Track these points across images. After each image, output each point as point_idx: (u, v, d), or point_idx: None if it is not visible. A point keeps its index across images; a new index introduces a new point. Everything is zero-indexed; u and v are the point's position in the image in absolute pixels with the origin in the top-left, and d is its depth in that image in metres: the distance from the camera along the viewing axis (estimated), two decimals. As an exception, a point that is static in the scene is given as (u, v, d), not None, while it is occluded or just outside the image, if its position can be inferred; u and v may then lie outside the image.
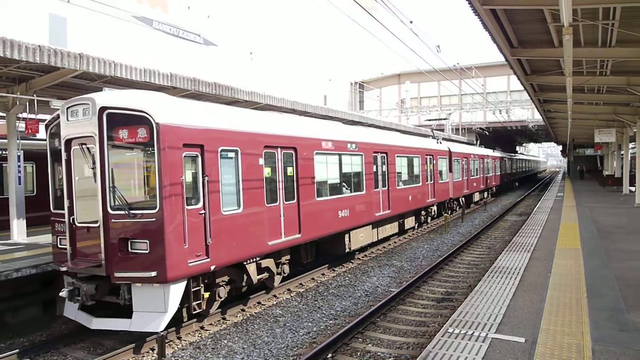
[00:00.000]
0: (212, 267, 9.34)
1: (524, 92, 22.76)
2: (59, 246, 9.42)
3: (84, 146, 8.96)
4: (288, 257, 12.20)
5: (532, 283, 9.36)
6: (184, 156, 8.88)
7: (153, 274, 8.43)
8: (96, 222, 8.75)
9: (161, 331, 8.88)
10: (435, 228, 23.28)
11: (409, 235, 20.87)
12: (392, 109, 47.76)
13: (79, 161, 9.14)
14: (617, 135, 29.80)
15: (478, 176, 32.36)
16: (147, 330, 8.62)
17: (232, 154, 9.98)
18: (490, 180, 37.82)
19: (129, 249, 8.55)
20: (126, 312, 8.96)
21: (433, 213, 23.38)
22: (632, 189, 29.48)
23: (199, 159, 9.16)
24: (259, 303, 11.51)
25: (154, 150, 8.45)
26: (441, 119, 41.25)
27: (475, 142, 48.24)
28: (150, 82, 12.90)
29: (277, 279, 11.85)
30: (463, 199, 29.10)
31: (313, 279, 13.56)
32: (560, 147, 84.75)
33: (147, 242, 8.45)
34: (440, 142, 25.91)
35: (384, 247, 18.31)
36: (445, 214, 22.84)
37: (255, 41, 39.19)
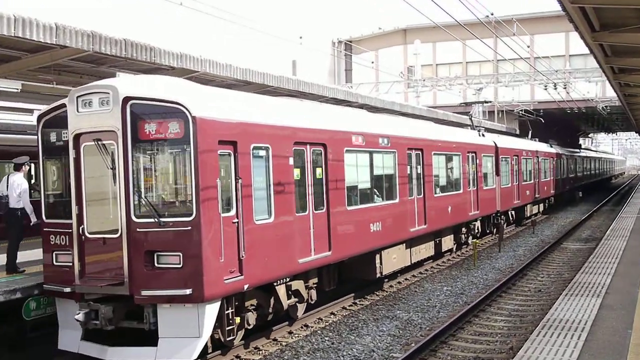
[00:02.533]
0: (246, 287, 11.43)
1: (590, 56, 23.02)
2: (56, 263, 11.41)
3: (99, 142, 10.85)
4: (316, 280, 14.62)
5: (604, 344, 9.42)
6: (219, 155, 10.93)
7: (188, 291, 10.28)
8: (116, 232, 10.68)
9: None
10: (458, 261, 23.46)
11: (420, 273, 21.03)
12: (395, 81, 47.95)
13: (90, 160, 11.06)
14: None
15: (531, 181, 35.36)
16: (179, 359, 10.34)
17: (262, 152, 12.20)
18: (543, 188, 38.34)
19: (158, 263, 10.48)
20: (138, 338, 10.91)
21: (476, 230, 25.96)
22: None
23: (232, 158, 11.29)
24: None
25: (188, 147, 10.44)
26: (483, 102, 41.70)
27: (522, 133, 48.77)
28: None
29: (301, 307, 14.15)
30: (513, 212, 31.86)
31: (275, 339, 13.70)
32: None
33: (180, 254, 10.35)
34: (483, 135, 28.50)
35: (383, 290, 18.34)
36: (474, 240, 23.00)
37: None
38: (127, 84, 10.91)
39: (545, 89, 45.01)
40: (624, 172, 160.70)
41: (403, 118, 22.01)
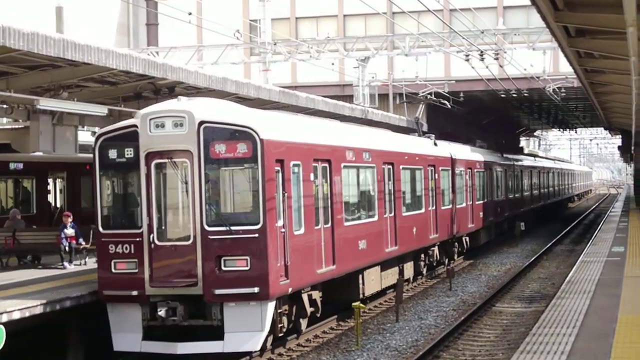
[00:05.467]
0: (290, 290, 20.02)
1: (532, 9, 23.74)
2: (115, 271, 19.19)
3: (171, 160, 19.13)
4: (321, 293, 23.01)
5: None
6: (276, 171, 19.56)
7: (255, 289, 18.39)
8: (187, 238, 18.95)
9: (263, 349, 19.61)
10: (332, 337, 23.77)
11: None
12: (229, 44, 47.95)
13: (160, 175, 19.36)
14: None
15: (485, 200, 45.98)
16: (244, 350, 19.02)
17: (297, 169, 20.83)
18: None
19: (226, 266, 18.59)
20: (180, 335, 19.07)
21: (434, 258, 35.29)
22: None
23: (280, 174, 19.75)
24: None
25: (255, 165, 18.77)
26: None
27: (431, 128, 49.79)
28: None
29: (304, 321, 22.18)
30: (467, 238, 41.57)
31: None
32: (619, 140, 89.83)
33: (248, 257, 18.55)
34: (436, 144, 37.97)
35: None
36: (356, 304, 23.25)
37: None
38: (201, 110, 19.17)
39: (467, 60, 46.14)
40: (590, 191, 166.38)
41: (358, 126, 30.86)
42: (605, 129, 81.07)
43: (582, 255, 31.52)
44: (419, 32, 46.60)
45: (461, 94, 53.12)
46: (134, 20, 59.52)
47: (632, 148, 64.64)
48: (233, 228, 18.57)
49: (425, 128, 51.91)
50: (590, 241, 39.30)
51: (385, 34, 51.00)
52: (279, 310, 19.70)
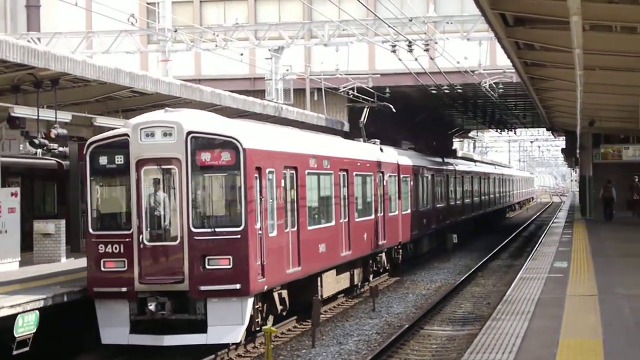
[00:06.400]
0: (265, 287, 24.35)
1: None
2: (104, 269, 23.12)
3: (161, 167, 23.37)
4: (286, 292, 27.27)
5: None
6: (255, 177, 24.08)
7: (237, 286, 22.56)
8: (175, 239, 23.03)
9: (238, 342, 23.98)
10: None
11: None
12: (123, 30, 47.51)
13: (149, 181, 23.44)
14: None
15: (428, 207, 51.31)
16: (226, 342, 23.18)
17: (271, 176, 25.35)
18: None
19: (211, 264, 22.71)
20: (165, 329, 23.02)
21: (383, 264, 40.77)
22: None
23: (258, 180, 24.00)
24: None
25: (238, 172, 23.11)
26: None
27: (353, 128, 49.84)
28: None
29: (270, 319, 25.91)
30: (412, 245, 46.52)
31: None
32: (562, 142, 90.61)
33: (231, 257, 22.76)
34: (382, 149, 42.40)
35: None
36: (267, 328, 23.27)
37: None
38: (189, 121, 23.28)
39: (394, 52, 46.20)
40: (532, 199, 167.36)
41: (317, 134, 35.78)
42: (548, 129, 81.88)
43: (521, 272, 31.70)
44: (340, 20, 46.71)
45: (387, 90, 53.29)
46: (11, 1, 58.77)
47: (577, 151, 65.10)
48: (217, 230, 22.76)
49: (347, 128, 52.06)
50: (530, 255, 39.58)
51: (302, 20, 50.86)
52: (256, 306, 23.73)
